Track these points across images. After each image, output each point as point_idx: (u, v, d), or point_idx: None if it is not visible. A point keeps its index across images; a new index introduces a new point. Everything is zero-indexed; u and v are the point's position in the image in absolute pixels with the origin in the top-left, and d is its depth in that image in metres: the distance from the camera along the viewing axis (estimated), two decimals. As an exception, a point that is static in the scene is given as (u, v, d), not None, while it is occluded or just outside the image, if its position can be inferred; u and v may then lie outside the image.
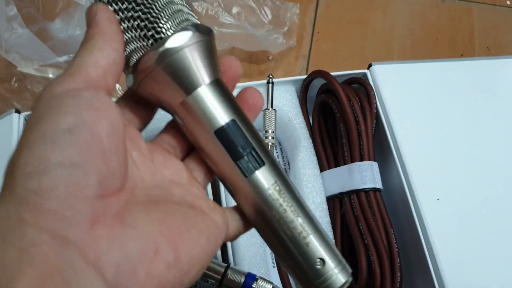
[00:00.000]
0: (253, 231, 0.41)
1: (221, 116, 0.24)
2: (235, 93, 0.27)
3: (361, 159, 0.47)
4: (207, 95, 0.24)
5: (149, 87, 0.24)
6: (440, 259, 0.42)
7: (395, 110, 0.50)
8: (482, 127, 0.51)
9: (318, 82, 0.52)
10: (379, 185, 0.46)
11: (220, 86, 0.25)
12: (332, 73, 0.51)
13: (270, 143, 0.50)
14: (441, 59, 0.55)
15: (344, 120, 0.48)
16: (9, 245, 0.17)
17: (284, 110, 0.51)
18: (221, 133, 0.24)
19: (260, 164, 0.25)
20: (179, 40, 0.23)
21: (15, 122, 0.45)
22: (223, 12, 0.58)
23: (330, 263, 0.24)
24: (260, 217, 0.25)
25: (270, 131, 0.49)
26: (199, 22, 0.25)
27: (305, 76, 0.52)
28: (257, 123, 0.50)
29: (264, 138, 0.51)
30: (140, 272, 0.19)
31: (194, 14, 0.26)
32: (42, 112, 0.20)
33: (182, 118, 0.25)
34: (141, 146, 0.25)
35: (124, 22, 0.24)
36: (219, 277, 0.36)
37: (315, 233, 0.25)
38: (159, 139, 0.27)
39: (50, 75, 0.51)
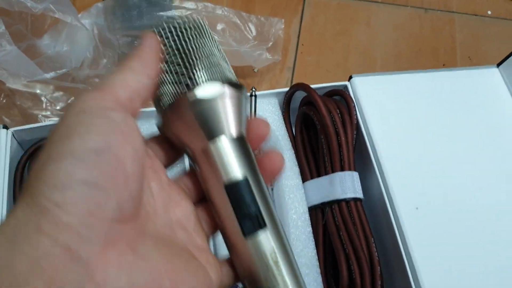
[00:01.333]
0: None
1: (236, 170, 0.24)
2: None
3: (342, 169, 0.48)
4: (227, 147, 0.25)
5: (174, 130, 0.25)
6: (419, 267, 0.43)
7: (375, 121, 0.51)
8: (461, 136, 0.52)
9: (300, 94, 0.54)
10: (359, 194, 0.47)
11: (241, 142, 0.25)
12: (314, 86, 0.53)
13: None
14: (421, 70, 0.57)
15: (324, 131, 0.49)
16: (22, 254, 0.17)
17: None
18: (230, 187, 0.24)
19: (262, 226, 0.24)
20: (210, 91, 0.24)
21: (3, 137, 0.46)
22: (207, 27, 0.59)
23: None
24: (250, 279, 0.25)
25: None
26: (233, 78, 0.26)
27: (287, 89, 0.53)
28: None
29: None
30: None
31: (231, 69, 0.27)
32: (71, 127, 0.20)
33: (199, 165, 0.25)
34: (161, 179, 0.25)
35: (165, 65, 0.25)
36: None
37: None
38: (179, 178, 0.27)
39: (38, 91, 0.52)
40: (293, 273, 0.25)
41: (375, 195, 0.49)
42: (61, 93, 0.53)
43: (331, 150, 0.48)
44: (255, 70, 0.66)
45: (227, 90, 0.25)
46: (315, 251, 0.46)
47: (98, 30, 0.57)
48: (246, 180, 0.25)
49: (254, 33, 0.62)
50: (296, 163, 0.51)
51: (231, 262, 0.26)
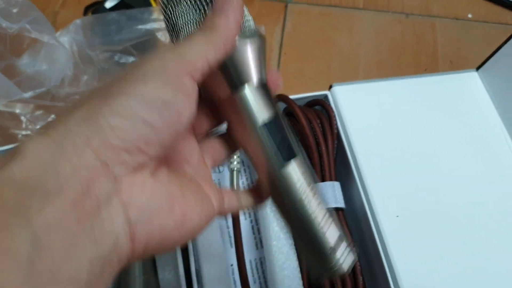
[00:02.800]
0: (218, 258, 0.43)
1: (270, 109, 0.27)
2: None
3: (323, 180, 0.48)
4: (259, 91, 0.27)
5: (208, 80, 0.26)
6: (400, 275, 0.43)
7: (356, 130, 0.51)
8: (442, 143, 0.52)
9: (282, 105, 0.54)
10: (341, 204, 0.47)
11: (266, 86, 0.27)
12: (294, 96, 0.53)
13: (235, 168, 0.51)
14: (401, 76, 0.57)
15: (304, 142, 0.49)
16: (66, 160, 0.19)
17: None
18: (270, 124, 0.27)
19: (294, 155, 0.28)
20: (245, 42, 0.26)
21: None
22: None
23: (342, 248, 0.28)
24: (286, 205, 0.28)
25: (235, 156, 0.50)
26: (254, 27, 0.28)
27: (268, 100, 0.53)
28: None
29: (230, 163, 0.52)
30: (154, 222, 0.23)
31: (251, 18, 0.28)
32: (148, 75, 0.22)
33: (234, 109, 0.27)
34: None
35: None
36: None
37: (331, 222, 0.28)
38: None
39: (17, 111, 0.52)
40: (317, 189, 0.28)
41: (357, 204, 0.49)
42: (41, 111, 0.53)
43: (312, 160, 0.48)
44: (238, 80, 0.66)
45: (256, 40, 0.27)
46: (297, 262, 0.46)
47: (78, 47, 0.57)
48: (277, 116, 0.27)
49: (235, 43, 0.63)
50: (278, 174, 0.51)
51: (249, 191, 0.30)
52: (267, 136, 0.27)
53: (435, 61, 0.70)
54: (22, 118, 0.52)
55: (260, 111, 0.27)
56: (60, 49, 0.53)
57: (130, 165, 0.22)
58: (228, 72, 0.26)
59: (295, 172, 0.27)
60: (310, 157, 0.48)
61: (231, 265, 0.49)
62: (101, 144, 0.20)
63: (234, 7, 0.25)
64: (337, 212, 0.47)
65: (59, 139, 0.20)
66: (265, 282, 0.50)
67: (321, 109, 0.53)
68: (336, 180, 0.48)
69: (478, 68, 0.58)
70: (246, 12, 0.27)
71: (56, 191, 0.19)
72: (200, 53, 0.24)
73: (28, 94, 0.50)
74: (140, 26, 0.59)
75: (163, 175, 0.24)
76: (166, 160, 0.25)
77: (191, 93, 0.23)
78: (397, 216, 0.46)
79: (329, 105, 0.52)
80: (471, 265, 0.45)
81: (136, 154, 0.22)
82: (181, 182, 0.25)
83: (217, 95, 0.28)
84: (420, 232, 0.46)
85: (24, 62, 0.54)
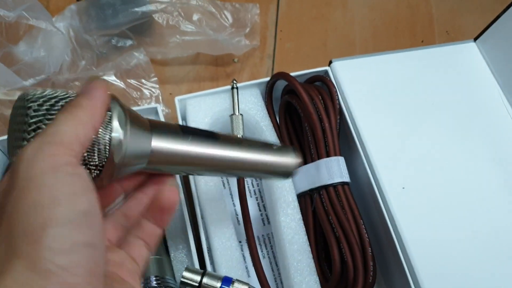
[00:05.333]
0: (228, 235, 0.43)
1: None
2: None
3: (328, 155, 0.48)
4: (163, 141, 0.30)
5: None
6: (409, 245, 0.44)
7: (358, 104, 0.52)
8: (444, 114, 0.53)
9: (282, 83, 0.54)
10: (346, 178, 0.48)
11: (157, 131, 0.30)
12: (294, 73, 0.53)
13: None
14: (399, 50, 0.57)
15: (308, 119, 0.49)
16: None
17: (250, 114, 0.52)
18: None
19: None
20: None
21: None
22: (183, 21, 0.59)
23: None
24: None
25: (238, 136, 0.50)
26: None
27: (268, 79, 0.54)
28: (225, 128, 0.51)
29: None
30: None
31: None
32: (55, 190, 0.21)
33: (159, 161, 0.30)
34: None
35: None
36: (197, 284, 0.38)
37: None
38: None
39: (18, 99, 0.52)
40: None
41: (362, 177, 0.50)
42: (42, 99, 0.53)
43: (316, 137, 0.49)
44: (235, 60, 0.66)
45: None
46: (306, 237, 0.47)
47: (74, 32, 0.57)
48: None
49: (230, 20, 0.62)
50: (282, 152, 0.51)
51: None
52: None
53: (431, 32, 0.70)
54: (24, 106, 0.52)
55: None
56: (57, 35, 0.52)
57: None
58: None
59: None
60: (313, 133, 0.49)
61: (240, 241, 0.50)
62: None
63: (99, 89, 0.25)
64: (342, 187, 0.48)
65: None
66: (274, 257, 0.51)
67: (321, 85, 0.54)
68: (340, 155, 0.49)
69: (476, 39, 0.58)
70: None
71: None
72: (72, 136, 0.23)
73: (28, 82, 0.49)
74: (136, 9, 0.58)
75: None
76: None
77: (90, 183, 0.23)
78: (403, 187, 0.47)
79: (330, 80, 0.53)
80: (479, 234, 0.46)
81: (96, 281, 0.21)
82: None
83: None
84: (427, 203, 0.47)
85: (22, 50, 0.54)
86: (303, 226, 0.47)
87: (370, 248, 0.45)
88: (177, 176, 0.46)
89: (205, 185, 0.47)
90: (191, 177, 0.48)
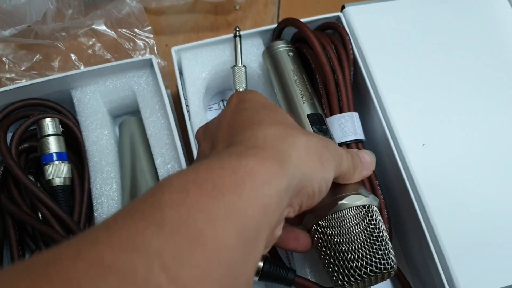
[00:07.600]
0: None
1: None
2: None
3: (341, 111, 0.44)
4: None
5: None
6: (430, 209, 0.41)
7: (373, 55, 0.47)
8: (464, 64, 0.48)
9: (289, 31, 0.49)
10: (361, 136, 0.44)
11: None
12: (304, 19, 0.48)
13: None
14: (418, -7, 0.52)
15: (320, 71, 0.45)
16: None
17: (252, 67, 0.48)
18: None
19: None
20: None
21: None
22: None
23: None
24: None
25: (240, 89, 0.46)
26: None
27: (275, 26, 0.49)
28: (225, 83, 0.47)
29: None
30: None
31: None
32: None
33: None
34: None
35: None
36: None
37: None
38: None
39: (-1, 52, 0.47)
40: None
41: (378, 135, 0.46)
42: (24, 51, 0.48)
43: (328, 91, 0.44)
44: (237, 7, 0.60)
45: None
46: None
47: (58, -24, 0.51)
48: None
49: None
50: (290, 107, 0.47)
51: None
52: None
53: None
54: (4, 59, 0.47)
55: None
56: (38, -21, 0.47)
57: None
58: None
59: None
60: (326, 87, 0.44)
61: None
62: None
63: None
64: (356, 145, 0.44)
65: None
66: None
67: (333, 33, 0.49)
68: (354, 110, 0.45)
69: (502, -20, 0.52)
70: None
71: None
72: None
73: (7, 32, 0.44)
74: (125, -51, 0.52)
75: None
76: None
77: None
78: (423, 144, 0.43)
79: (343, 28, 0.47)
80: (505, 196, 0.42)
81: None
82: None
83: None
84: (449, 161, 0.43)
85: (-1, -4, 0.48)
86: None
87: (386, 210, 0.42)
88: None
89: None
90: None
